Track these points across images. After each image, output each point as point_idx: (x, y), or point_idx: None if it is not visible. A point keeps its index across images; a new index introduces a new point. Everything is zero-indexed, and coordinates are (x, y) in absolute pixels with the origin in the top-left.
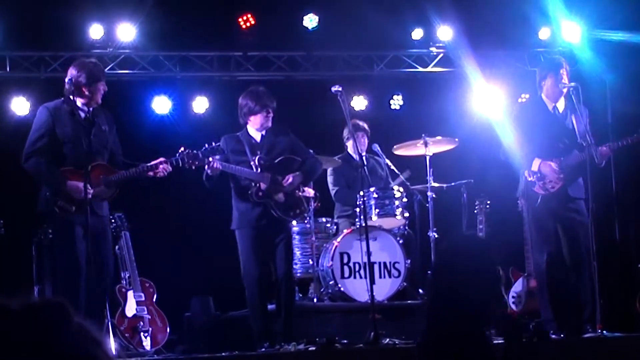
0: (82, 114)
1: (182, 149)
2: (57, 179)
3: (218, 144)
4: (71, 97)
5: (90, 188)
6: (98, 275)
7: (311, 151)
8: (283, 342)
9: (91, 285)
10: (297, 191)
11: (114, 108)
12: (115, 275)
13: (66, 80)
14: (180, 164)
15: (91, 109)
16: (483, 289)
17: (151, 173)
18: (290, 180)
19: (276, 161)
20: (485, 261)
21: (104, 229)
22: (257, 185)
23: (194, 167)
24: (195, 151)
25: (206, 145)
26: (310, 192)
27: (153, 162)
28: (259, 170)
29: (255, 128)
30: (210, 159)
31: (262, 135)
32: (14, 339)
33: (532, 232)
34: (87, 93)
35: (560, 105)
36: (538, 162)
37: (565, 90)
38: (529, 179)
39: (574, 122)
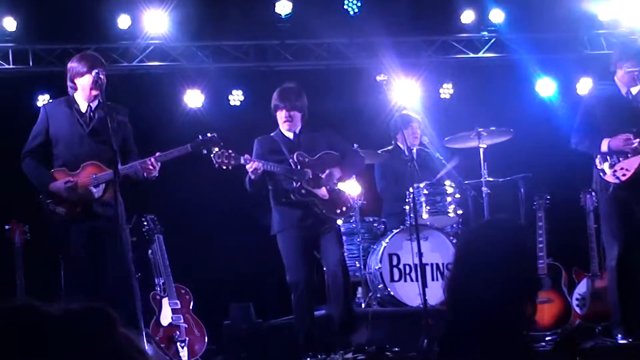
0: (83, 110)
1: (200, 137)
2: (43, 180)
3: (214, 134)
4: (71, 92)
5: (75, 188)
6: (116, 283)
7: (355, 145)
8: (340, 349)
9: (108, 295)
10: (339, 188)
11: (142, 102)
12: (148, 282)
13: None
14: (206, 152)
15: (93, 104)
16: (509, 285)
17: (145, 173)
18: (328, 172)
19: (315, 157)
20: (513, 247)
21: (113, 231)
22: (299, 182)
23: (230, 167)
24: (229, 151)
25: (200, 137)
26: (355, 188)
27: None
28: (299, 167)
29: (282, 127)
30: (246, 156)
31: (294, 133)
32: (54, 346)
33: (603, 226)
34: (77, 86)
35: (635, 89)
36: (607, 141)
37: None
38: (599, 167)
39: None
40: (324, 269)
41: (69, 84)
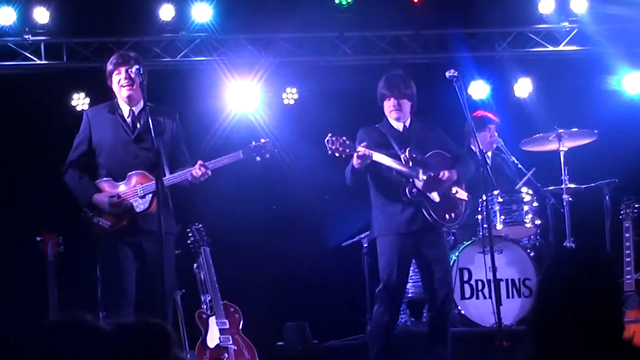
0: (125, 115)
1: (253, 143)
2: (86, 192)
3: (268, 140)
4: (115, 98)
5: (121, 200)
6: (155, 303)
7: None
8: None
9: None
10: (450, 191)
11: (187, 101)
12: (193, 299)
13: None
14: (259, 159)
15: (136, 108)
16: (594, 325)
17: (190, 179)
18: (447, 175)
19: (427, 156)
20: (602, 286)
21: (157, 247)
22: (411, 181)
23: (343, 155)
24: (344, 138)
25: (253, 143)
26: (463, 194)
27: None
28: (411, 164)
29: (390, 118)
30: (364, 144)
31: (404, 125)
32: None
33: None
34: (112, 88)
35: None
36: None
37: None
38: None
39: None
40: (428, 281)
41: (111, 88)
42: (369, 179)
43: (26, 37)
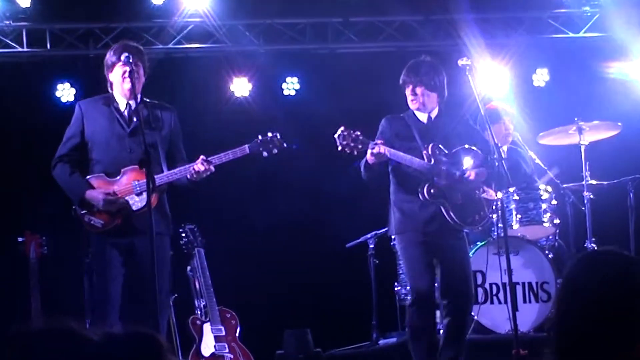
0: (122, 109)
1: (260, 137)
2: (78, 188)
3: (275, 134)
4: (110, 90)
5: (115, 201)
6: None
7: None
8: None
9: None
10: (477, 191)
11: (180, 91)
12: (187, 304)
13: None
14: (266, 154)
15: (132, 102)
16: (620, 326)
17: (194, 175)
18: (472, 176)
19: (452, 152)
20: (626, 287)
21: (150, 248)
22: (431, 179)
23: (355, 152)
24: (357, 133)
25: (260, 137)
26: (492, 194)
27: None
28: (433, 161)
29: (412, 107)
30: (379, 142)
31: (429, 116)
32: None
33: None
34: (113, 81)
35: None
36: None
37: None
38: None
39: None
40: (446, 283)
41: (108, 80)
42: (390, 171)
43: (7, 22)
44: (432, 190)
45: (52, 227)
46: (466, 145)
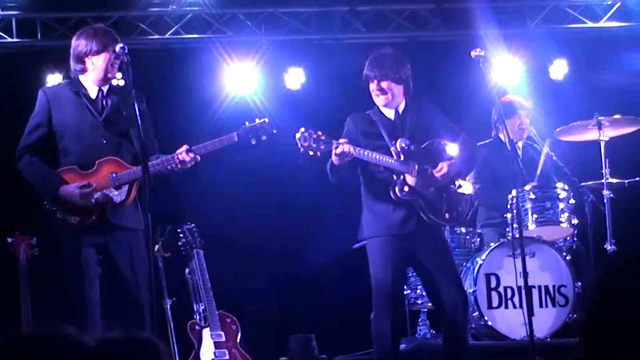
0: (93, 96)
1: (247, 123)
2: (49, 183)
3: (264, 119)
4: (75, 74)
5: (92, 190)
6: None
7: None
8: None
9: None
10: (452, 186)
11: (177, 83)
12: (185, 308)
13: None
14: (255, 141)
15: (104, 88)
16: None
17: (178, 166)
18: (444, 170)
19: (423, 146)
20: None
21: (131, 246)
22: (402, 178)
23: (318, 153)
24: (319, 133)
25: (247, 123)
26: (467, 187)
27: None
28: (402, 158)
29: (377, 103)
30: (342, 141)
31: (396, 111)
32: None
33: None
34: (88, 66)
35: None
36: None
37: None
38: None
39: None
40: (432, 289)
41: (74, 64)
42: (360, 174)
43: None
44: (404, 189)
45: (43, 227)
46: (436, 139)
